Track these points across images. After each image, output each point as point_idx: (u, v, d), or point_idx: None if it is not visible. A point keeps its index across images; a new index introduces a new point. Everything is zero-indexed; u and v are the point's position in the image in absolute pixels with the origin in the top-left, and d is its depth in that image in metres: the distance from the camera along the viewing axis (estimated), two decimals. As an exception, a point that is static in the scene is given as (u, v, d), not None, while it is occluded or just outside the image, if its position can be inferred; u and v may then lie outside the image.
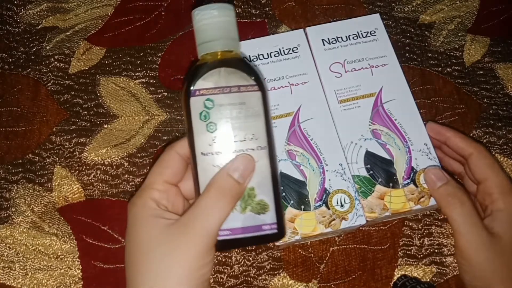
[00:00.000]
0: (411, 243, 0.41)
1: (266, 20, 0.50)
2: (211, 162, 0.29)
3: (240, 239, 0.29)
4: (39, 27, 0.50)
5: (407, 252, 0.40)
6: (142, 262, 0.27)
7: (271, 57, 0.39)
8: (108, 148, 0.44)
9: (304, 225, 0.34)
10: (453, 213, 0.31)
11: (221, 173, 0.29)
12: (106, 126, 0.45)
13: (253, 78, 0.30)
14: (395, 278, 0.39)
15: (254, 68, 0.30)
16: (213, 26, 0.30)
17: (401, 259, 0.40)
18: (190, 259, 0.27)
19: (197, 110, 0.29)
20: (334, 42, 0.40)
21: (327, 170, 0.35)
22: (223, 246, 0.29)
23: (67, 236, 0.41)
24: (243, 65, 0.30)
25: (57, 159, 0.44)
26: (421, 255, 0.40)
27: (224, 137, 0.29)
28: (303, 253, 0.41)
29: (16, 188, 0.43)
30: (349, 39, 0.40)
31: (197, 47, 0.31)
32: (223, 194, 0.28)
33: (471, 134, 0.45)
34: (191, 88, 0.29)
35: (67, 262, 0.40)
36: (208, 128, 0.29)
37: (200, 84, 0.29)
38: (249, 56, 0.39)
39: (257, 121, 0.30)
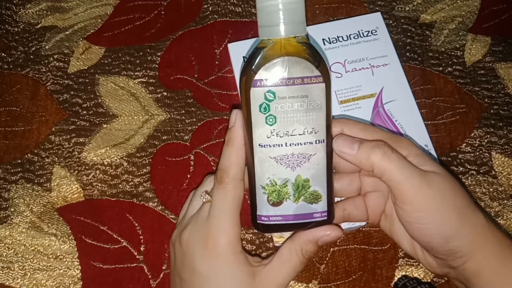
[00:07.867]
0: (411, 243, 0.41)
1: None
2: (268, 154, 0.28)
3: (290, 224, 0.30)
4: (38, 26, 0.50)
5: (408, 252, 0.40)
6: None
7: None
8: (108, 148, 0.44)
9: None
10: (386, 165, 0.28)
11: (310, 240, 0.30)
12: (105, 125, 0.45)
13: (318, 68, 0.27)
14: (396, 278, 0.39)
15: (320, 55, 0.28)
16: (279, 7, 0.27)
17: (401, 259, 0.40)
18: None
19: (257, 102, 0.28)
20: (335, 41, 0.40)
21: None
22: (273, 229, 0.31)
23: (66, 236, 0.41)
24: (309, 53, 0.27)
25: (56, 159, 0.44)
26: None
27: (283, 130, 0.28)
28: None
29: (15, 188, 0.43)
30: (350, 39, 0.40)
31: (259, 28, 0.28)
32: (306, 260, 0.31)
33: (472, 134, 0.44)
34: (253, 78, 0.27)
35: (66, 262, 0.40)
36: (267, 121, 0.28)
37: (262, 74, 0.27)
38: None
39: (318, 114, 0.28)
